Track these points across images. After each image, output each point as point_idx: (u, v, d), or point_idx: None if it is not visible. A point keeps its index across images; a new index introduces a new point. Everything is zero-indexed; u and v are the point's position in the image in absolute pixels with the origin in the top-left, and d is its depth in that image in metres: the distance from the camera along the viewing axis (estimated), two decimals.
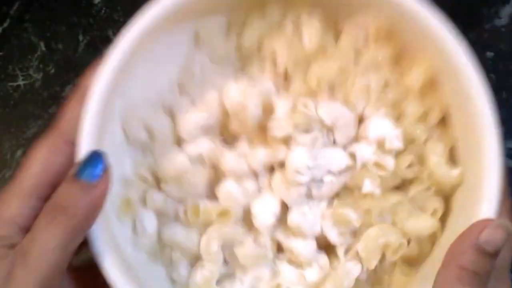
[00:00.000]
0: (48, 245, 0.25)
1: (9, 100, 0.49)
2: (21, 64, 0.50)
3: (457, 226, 0.30)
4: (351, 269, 0.33)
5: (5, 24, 0.51)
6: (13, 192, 0.28)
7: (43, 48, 0.50)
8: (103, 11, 0.51)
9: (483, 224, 0.28)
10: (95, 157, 0.27)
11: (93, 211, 0.27)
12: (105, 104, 0.30)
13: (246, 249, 0.33)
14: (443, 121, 0.34)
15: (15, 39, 0.51)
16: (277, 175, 0.34)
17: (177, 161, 0.34)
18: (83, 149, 0.28)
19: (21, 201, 0.28)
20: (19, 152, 0.48)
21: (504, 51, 0.48)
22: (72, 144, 0.28)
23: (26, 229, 0.27)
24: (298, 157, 0.32)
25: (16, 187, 0.28)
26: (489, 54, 0.48)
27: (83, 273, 0.30)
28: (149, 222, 0.33)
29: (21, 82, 0.50)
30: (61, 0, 0.51)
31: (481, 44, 0.48)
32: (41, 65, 0.50)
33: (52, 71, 0.50)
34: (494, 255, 0.28)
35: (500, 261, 0.29)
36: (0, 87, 0.50)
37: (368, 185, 0.33)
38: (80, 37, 0.50)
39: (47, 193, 0.27)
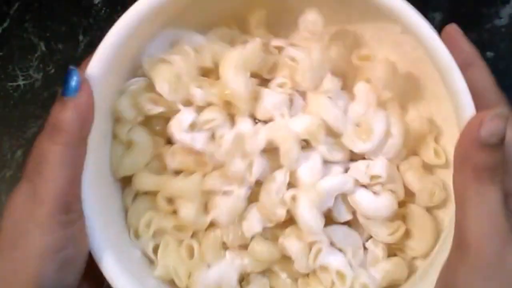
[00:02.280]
0: (55, 162, 0.28)
1: (9, 100, 0.49)
2: (21, 64, 0.50)
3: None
4: None
5: (5, 24, 0.51)
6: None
7: (43, 48, 0.50)
8: (103, 11, 0.51)
9: (478, 119, 0.28)
10: (71, 74, 0.29)
11: (84, 122, 0.29)
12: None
13: None
14: None
15: (15, 39, 0.51)
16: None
17: None
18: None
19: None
20: (19, 152, 0.48)
21: (504, 51, 0.48)
22: (83, 142, 0.30)
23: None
24: None
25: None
26: (489, 54, 0.48)
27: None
28: None
29: (21, 82, 0.50)
30: (61, 0, 0.51)
31: (481, 44, 0.48)
32: (41, 65, 0.50)
33: (52, 71, 0.50)
34: (500, 144, 0.27)
35: (509, 147, 0.28)
36: (0, 87, 0.49)
37: None
38: (80, 37, 0.50)
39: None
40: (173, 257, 0.35)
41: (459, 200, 0.28)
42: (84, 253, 0.30)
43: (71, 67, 0.29)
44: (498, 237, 0.27)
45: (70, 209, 0.29)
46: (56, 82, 0.49)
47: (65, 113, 0.29)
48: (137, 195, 0.36)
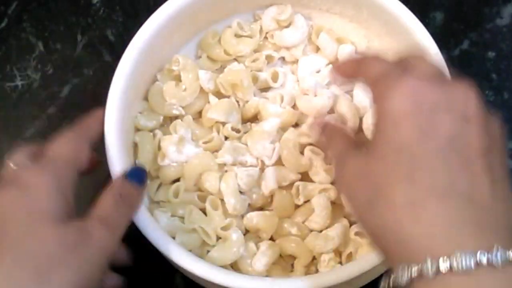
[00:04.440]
0: (122, 217, 0.33)
1: (7, 101, 0.49)
2: (19, 64, 0.50)
3: None
4: None
5: (3, 24, 0.51)
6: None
7: (41, 48, 0.50)
8: (101, 11, 0.50)
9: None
10: (141, 170, 0.36)
11: (140, 202, 0.35)
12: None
13: None
14: None
15: (13, 39, 0.50)
16: None
17: None
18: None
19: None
20: None
21: (505, 51, 0.48)
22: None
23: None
24: None
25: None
26: (491, 54, 0.48)
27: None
28: None
29: (19, 82, 0.49)
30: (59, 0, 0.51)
31: (483, 44, 0.48)
32: (39, 65, 0.50)
33: (51, 71, 0.50)
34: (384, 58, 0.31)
35: None
36: None
37: None
38: (79, 37, 0.50)
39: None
40: (200, 219, 0.39)
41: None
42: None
43: (143, 169, 0.37)
44: None
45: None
46: (54, 82, 0.49)
47: (134, 192, 0.35)
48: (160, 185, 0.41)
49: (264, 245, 0.38)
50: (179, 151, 0.40)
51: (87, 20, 0.50)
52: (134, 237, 0.35)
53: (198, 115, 0.43)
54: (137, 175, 0.35)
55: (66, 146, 0.34)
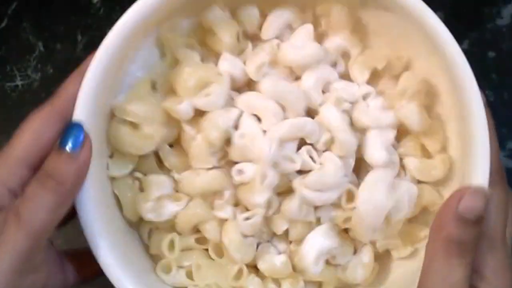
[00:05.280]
0: (39, 207, 0.28)
1: (7, 101, 0.49)
2: (19, 64, 0.50)
3: None
4: None
5: (3, 24, 0.51)
6: (4, 160, 0.30)
7: (42, 48, 0.50)
8: (101, 10, 0.50)
9: (462, 192, 0.28)
10: (76, 128, 0.29)
11: (78, 178, 0.30)
12: (102, 81, 0.31)
13: None
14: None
15: (13, 39, 0.50)
16: None
17: None
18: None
19: (11, 168, 0.30)
20: None
21: (505, 51, 0.48)
22: (64, 119, 0.30)
23: (15, 195, 0.29)
24: None
25: (7, 155, 0.30)
26: (491, 54, 0.48)
27: (80, 256, 0.33)
28: None
29: (19, 82, 0.49)
30: None
31: (483, 44, 0.48)
32: (39, 65, 0.50)
33: (51, 71, 0.50)
34: (476, 222, 0.28)
35: (490, 230, 0.29)
36: None
37: None
38: (79, 37, 0.50)
39: (37, 163, 0.30)
40: (211, 274, 0.34)
41: (426, 266, 0.29)
42: None
43: (77, 122, 0.30)
44: None
45: (34, 259, 0.29)
46: (54, 83, 0.49)
47: (63, 166, 0.29)
48: (151, 229, 0.36)
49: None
50: (158, 214, 0.34)
51: (87, 20, 0.50)
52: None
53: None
54: (70, 137, 0.29)
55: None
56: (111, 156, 0.34)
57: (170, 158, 0.35)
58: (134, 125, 0.33)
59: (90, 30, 0.50)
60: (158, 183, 0.34)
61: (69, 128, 0.29)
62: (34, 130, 0.30)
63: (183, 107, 0.32)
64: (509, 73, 0.47)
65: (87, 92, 0.31)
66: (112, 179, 0.34)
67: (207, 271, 0.34)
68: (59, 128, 0.30)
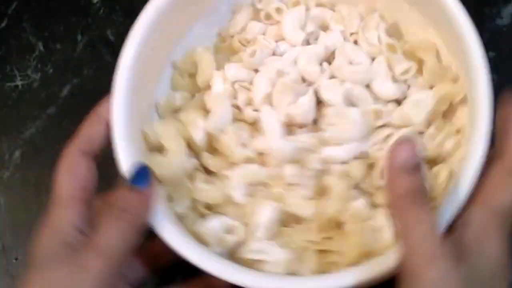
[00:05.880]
0: (115, 237, 0.31)
1: (7, 101, 0.49)
2: (19, 64, 0.50)
3: None
4: None
5: (3, 24, 0.51)
6: (59, 203, 0.33)
7: (41, 48, 0.50)
8: (101, 10, 0.50)
9: (391, 152, 0.30)
10: (145, 170, 0.33)
11: (147, 210, 0.33)
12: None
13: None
14: None
15: (13, 39, 0.50)
16: None
17: None
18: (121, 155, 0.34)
19: (71, 208, 0.33)
20: (17, 153, 0.48)
21: (505, 51, 0.48)
22: (88, 153, 0.34)
23: (82, 232, 0.32)
24: None
25: (59, 199, 0.33)
26: (491, 54, 0.48)
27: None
28: None
29: (19, 82, 0.49)
30: None
31: (483, 44, 0.48)
32: (39, 65, 0.50)
33: (51, 71, 0.50)
34: (415, 168, 0.30)
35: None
36: None
37: None
38: (79, 37, 0.50)
39: (85, 198, 0.33)
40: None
41: (397, 228, 0.30)
42: None
43: (146, 166, 0.33)
44: (431, 261, 0.27)
45: (113, 284, 0.31)
46: (54, 83, 0.49)
47: (136, 201, 0.32)
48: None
49: None
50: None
51: (87, 20, 0.50)
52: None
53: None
54: (141, 177, 0.33)
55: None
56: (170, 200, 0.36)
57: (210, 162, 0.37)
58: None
59: (90, 30, 0.50)
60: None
61: (138, 170, 0.33)
62: (68, 173, 0.34)
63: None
64: (509, 73, 0.47)
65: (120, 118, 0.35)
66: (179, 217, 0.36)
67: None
68: (86, 164, 0.34)
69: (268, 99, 0.37)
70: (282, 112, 0.36)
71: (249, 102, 0.38)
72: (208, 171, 0.38)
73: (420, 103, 0.36)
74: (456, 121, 0.36)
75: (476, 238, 0.29)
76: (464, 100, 0.36)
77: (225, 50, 0.41)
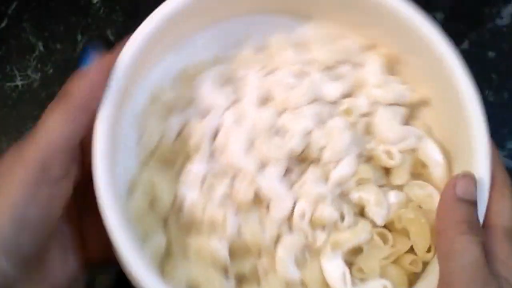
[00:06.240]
0: (52, 122, 0.29)
1: (7, 101, 0.49)
2: (19, 64, 0.50)
3: None
4: None
5: (3, 24, 0.51)
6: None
7: (41, 48, 0.50)
8: (101, 11, 0.50)
9: (453, 181, 0.31)
10: (89, 50, 0.31)
11: (91, 93, 0.31)
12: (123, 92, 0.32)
13: None
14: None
15: (13, 39, 0.50)
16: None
17: None
18: (100, 133, 0.30)
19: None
20: None
21: (505, 51, 0.48)
22: (84, 111, 0.31)
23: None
24: None
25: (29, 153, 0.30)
26: (491, 54, 0.48)
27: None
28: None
29: (19, 82, 0.49)
30: None
31: (483, 44, 0.48)
32: (39, 65, 0.50)
33: (51, 71, 0.50)
34: (474, 202, 0.30)
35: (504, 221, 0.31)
36: None
37: None
38: (79, 37, 0.50)
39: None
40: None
41: (443, 251, 0.30)
42: (50, 219, 0.30)
43: (93, 44, 0.31)
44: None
45: (49, 170, 0.29)
46: (54, 83, 0.49)
47: (75, 81, 0.31)
48: None
49: None
50: None
51: (87, 20, 0.50)
52: None
53: None
54: (86, 57, 0.31)
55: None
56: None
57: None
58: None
59: (90, 30, 0.50)
60: None
61: (84, 51, 0.31)
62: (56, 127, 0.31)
63: None
64: (509, 73, 0.47)
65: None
66: None
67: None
68: (80, 120, 0.31)
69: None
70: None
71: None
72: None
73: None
74: None
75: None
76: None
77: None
